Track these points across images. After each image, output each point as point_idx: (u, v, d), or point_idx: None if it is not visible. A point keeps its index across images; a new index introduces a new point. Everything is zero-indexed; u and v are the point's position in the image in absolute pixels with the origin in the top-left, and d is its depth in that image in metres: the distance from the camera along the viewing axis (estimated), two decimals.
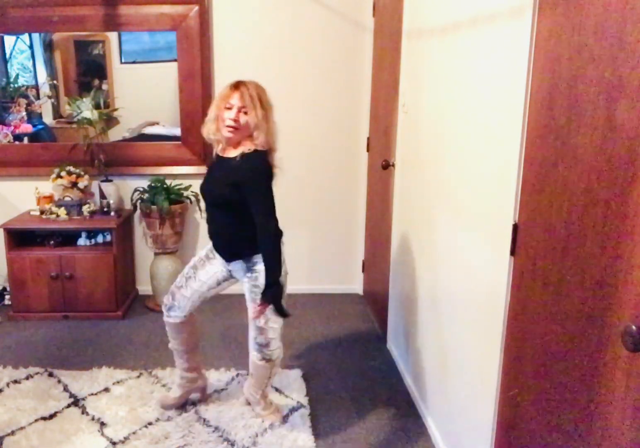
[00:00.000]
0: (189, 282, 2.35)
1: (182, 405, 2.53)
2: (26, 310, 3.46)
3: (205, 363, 2.91)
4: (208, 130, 2.19)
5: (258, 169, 2.11)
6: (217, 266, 2.33)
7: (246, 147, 2.13)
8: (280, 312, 2.18)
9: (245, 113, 2.08)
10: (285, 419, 2.44)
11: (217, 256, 2.32)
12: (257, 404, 2.47)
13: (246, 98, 2.07)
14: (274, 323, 2.25)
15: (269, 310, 2.18)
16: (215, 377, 2.78)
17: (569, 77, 1.33)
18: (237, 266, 2.26)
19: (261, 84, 2.16)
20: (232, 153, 2.16)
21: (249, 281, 2.23)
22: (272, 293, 2.13)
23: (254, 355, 2.32)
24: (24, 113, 3.72)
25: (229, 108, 2.09)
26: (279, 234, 2.17)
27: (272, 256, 2.13)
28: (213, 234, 2.31)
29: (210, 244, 2.36)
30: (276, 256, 2.14)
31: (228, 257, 2.27)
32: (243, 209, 2.12)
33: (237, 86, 2.10)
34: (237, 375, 2.80)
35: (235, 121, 2.08)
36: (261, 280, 2.17)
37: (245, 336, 2.54)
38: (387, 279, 3.12)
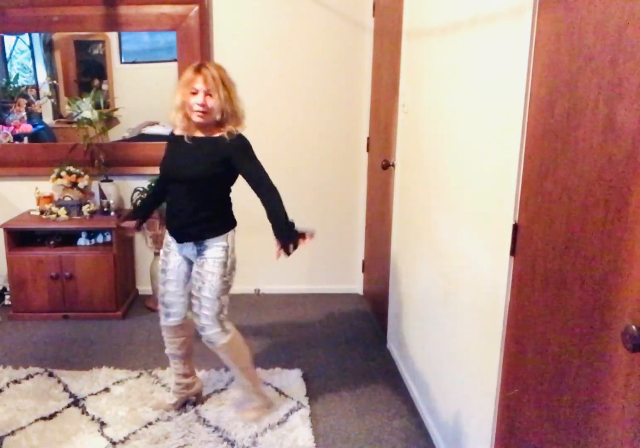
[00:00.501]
0: (167, 286, 2.38)
1: (181, 406, 2.54)
2: (26, 310, 3.46)
3: (205, 363, 2.92)
4: (175, 118, 2.23)
5: (248, 144, 2.21)
6: (175, 258, 2.34)
7: (231, 128, 2.17)
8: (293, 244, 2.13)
9: (211, 95, 2.11)
10: (285, 419, 2.44)
11: (172, 248, 2.34)
12: (241, 395, 2.48)
13: (209, 81, 2.09)
14: (207, 310, 2.25)
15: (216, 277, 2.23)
16: (215, 377, 2.78)
17: (569, 77, 1.33)
18: (188, 249, 2.29)
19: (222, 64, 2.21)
20: (210, 133, 2.21)
21: (195, 267, 2.27)
22: (290, 235, 2.10)
23: (202, 338, 2.33)
24: (24, 113, 3.72)
25: (195, 93, 2.12)
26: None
27: (281, 205, 2.15)
28: (176, 213, 2.28)
29: (165, 240, 2.38)
30: (283, 207, 2.17)
31: (183, 237, 2.28)
32: (217, 186, 2.24)
33: (199, 69, 2.12)
34: None
35: (203, 105, 2.11)
36: (206, 268, 2.23)
37: (245, 335, 2.55)
38: (387, 279, 3.12)
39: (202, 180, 2.20)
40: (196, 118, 2.15)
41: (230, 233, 2.27)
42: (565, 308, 1.35)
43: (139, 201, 2.38)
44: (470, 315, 1.97)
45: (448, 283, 2.19)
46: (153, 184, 2.34)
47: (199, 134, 2.24)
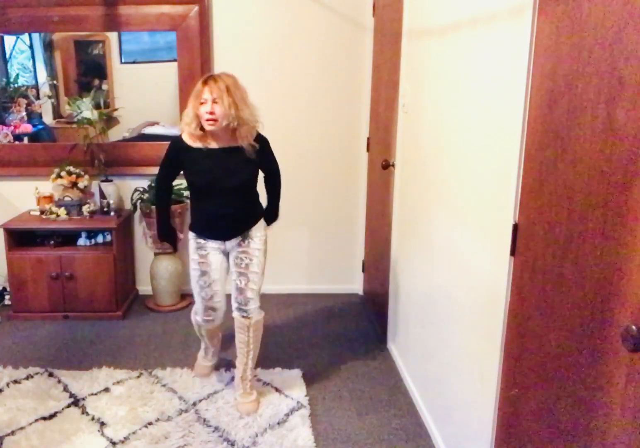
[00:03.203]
0: (213, 287, 2.48)
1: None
2: (26, 310, 3.46)
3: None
4: (189, 128, 2.31)
5: (268, 142, 2.47)
6: (216, 257, 2.47)
7: (251, 130, 2.33)
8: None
9: (218, 103, 2.23)
10: (285, 419, 2.45)
11: (209, 249, 2.45)
12: (237, 387, 2.56)
13: (214, 90, 2.23)
14: (254, 284, 2.45)
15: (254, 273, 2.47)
16: (215, 377, 2.78)
17: (569, 77, 1.33)
18: (233, 242, 2.46)
19: (232, 73, 2.33)
20: (228, 142, 2.34)
21: (238, 249, 2.45)
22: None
23: (235, 315, 2.48)
24: (24, 113, 3.72)
25: (204, 103, 2.25)
26: None
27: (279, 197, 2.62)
28: (219, 217, 2.41)
29: (193, 245, 2.46)
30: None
31: (232, 235, 2.44)
32: (255, 183, 2.48)
33: (206, 81, 2.27)
34: None
35: (212, 113, 2.23)
36: (253, 246, 2.44)
37: None
38: (387, 279, 3.12)
39: (244, 185, 2.41)
40: (208, 126, 2.26)
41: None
42: (565, 308, 1.35)
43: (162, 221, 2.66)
44: (470, 315, 1.97)
45: (448, 283, 2.19)
46: (159, 190, 2.57)
47: (216, 144, 2.35)
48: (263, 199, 2.60)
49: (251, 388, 2.55)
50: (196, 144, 2.35)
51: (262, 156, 2.42)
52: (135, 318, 3.52)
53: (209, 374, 2.78)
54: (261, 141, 2.40)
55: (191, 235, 2.48)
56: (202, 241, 2.45)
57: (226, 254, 2.50)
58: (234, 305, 2.47)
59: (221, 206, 2.40)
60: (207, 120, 2.24)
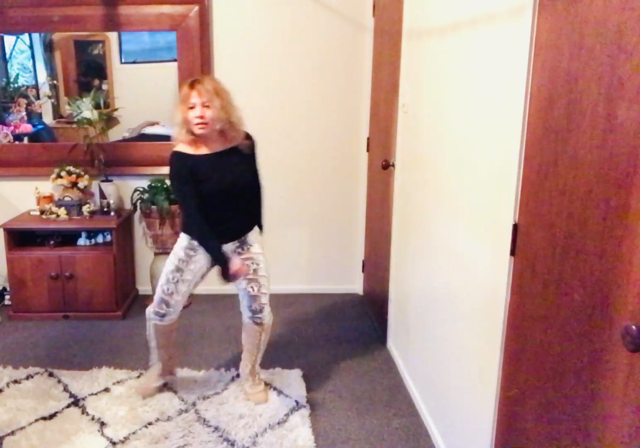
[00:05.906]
0: (179, 286, 2.41)
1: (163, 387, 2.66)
2: (26, 310, 3.46)
3: (206, 363, 2.92)
4: (179, 135, 2.29)
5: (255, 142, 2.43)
6: (200, 262, 2.40)
7: (240, 132, 2.32)
8: None
9: (208, 107, 2.20)
10: (285, 419, 2.44)
11: (199, 253, 2.36)
12: (246, 380, 2.60)
13: (204, 93, 2.19)
14: (265, 289, 2.46)
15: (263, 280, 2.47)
16: (216, 377, 2.78)
17: (569, 77, 1.33)
18: (229, 246, 2.41)
19: (216, 77, 2.34)
20: (219, 145, 2.31)
21: (241, 255, 2.41)
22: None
23: (247, 322, 2.51)
24: (24, 113, 3.72)
25: (192, 107, 2.20)
26: None
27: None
28: (224, 221, 2.36)
29: (184, 243, 2.38)
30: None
31: (232, 237, 2.41)
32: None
33: (192, 85, 2.22)
34: (237, 375, 2.79)
35: (202, 117, 2.20)
36: (254, 250, 2.43)
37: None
38: (387, 279, 3.12)
39: (248, 189, 2.40)
40: (198, 130, 2.22)
41: None
42: (565, 308, 1.35)
43: (213, 243, 2.34)
44: (470, 315, 1.97)
45: (448, 283, 2.19)
46: (197, 216, 2.31)
47: (207, 149, 2.30)
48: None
49: (259, 379, 2.62)
50: (192, 151, 2.29)
51: (254, 158, 2.44)
52: (135, 318, 3.52)
53: (152, 395, 2.59)
54: (251, 139, 2.41)
55: (185, 236, 2.39)
56: (196, 243, 2.35)
57: (212, 262, 2.39)
58: (247, 314, 2.49)
59: (226, 210, 2.35)
60: (197, 124, 2.19)
